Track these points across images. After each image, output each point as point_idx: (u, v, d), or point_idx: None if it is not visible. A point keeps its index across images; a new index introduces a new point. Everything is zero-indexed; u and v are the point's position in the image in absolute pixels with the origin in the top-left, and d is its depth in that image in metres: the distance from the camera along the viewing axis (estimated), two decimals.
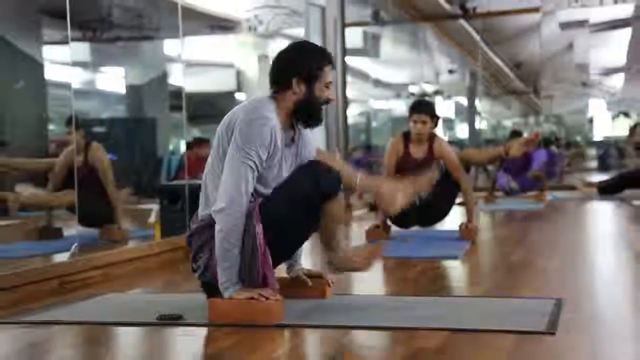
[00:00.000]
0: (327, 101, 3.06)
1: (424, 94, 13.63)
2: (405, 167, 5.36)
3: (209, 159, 3.02)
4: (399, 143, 5.46)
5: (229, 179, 2.87)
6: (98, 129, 9.47)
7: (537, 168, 9.63)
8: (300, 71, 3.00)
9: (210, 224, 2.93)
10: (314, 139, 3.22)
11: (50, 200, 5.51)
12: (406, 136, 5.47)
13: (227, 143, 2.93)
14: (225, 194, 2.86)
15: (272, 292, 2.89)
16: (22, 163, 5.61)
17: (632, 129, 10.01)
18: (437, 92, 14.74)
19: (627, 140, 10.96)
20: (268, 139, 2.90)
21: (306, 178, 2.96)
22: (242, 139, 2.87)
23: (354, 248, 3.24)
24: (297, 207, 2.93)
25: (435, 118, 5.42)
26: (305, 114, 3.03)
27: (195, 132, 11.36)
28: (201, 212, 3.02)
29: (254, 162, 2.88)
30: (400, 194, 3.17)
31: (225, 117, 3.01)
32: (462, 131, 17.82)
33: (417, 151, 5.42)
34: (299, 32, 8.63)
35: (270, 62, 3.11)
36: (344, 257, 3.10)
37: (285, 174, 3.07)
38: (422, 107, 5.46)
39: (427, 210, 5.41)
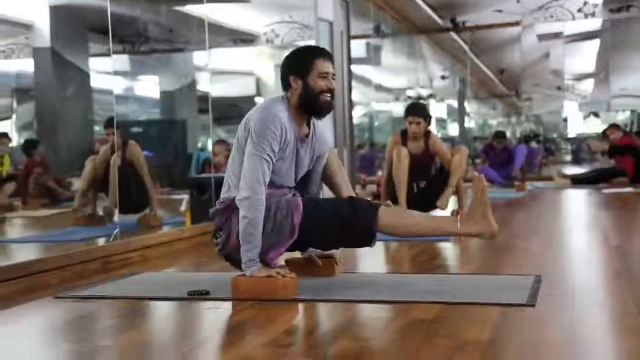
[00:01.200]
0: (328, 91, 2.97)
1: (419, 97, 13.59)
2: None
3: (231, 152, 3.03)
4: (398, 140, 5.43)
5: (249, 172, 2.87)
6: (136, 129, 9.47)
7: (519, 166, 9.56)
8: (294, 68, 2.98)
9: (229, 206, 2.94)
10: (329, 140, 3.19)
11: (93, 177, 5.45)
12: (404, 134, 5.43)
13: (243, 139, 2.94)
14: (247, 185, 2.86)
15: (288, 271, 2.88)
16: (81, 179, 5.56)
17: (603, 135, 10.00)
18: (431, 96, 14.69)
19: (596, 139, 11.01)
20: (279, 134, 2.89)
21: (363, 216, 2.91)
22: (257, 136, 2.87)
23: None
24: (336, 223, 2.90)
25: (428, 118, 5.39)
26: (307, 104, 2.99)
27: (220, 132, 11.36)
28: (223, 194, 3.03)
29: (269, 156, 2.88)
30: None
31: (244, 117, 3.01)
32: (453, 129, 17.77)
33: (415, 147, 5.39)
34: (310, 44, 8.60)
35: None
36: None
37: (299, 166, 3.06)
38: (416, 110, 5.42)
39: (425, 196, 5.40)
